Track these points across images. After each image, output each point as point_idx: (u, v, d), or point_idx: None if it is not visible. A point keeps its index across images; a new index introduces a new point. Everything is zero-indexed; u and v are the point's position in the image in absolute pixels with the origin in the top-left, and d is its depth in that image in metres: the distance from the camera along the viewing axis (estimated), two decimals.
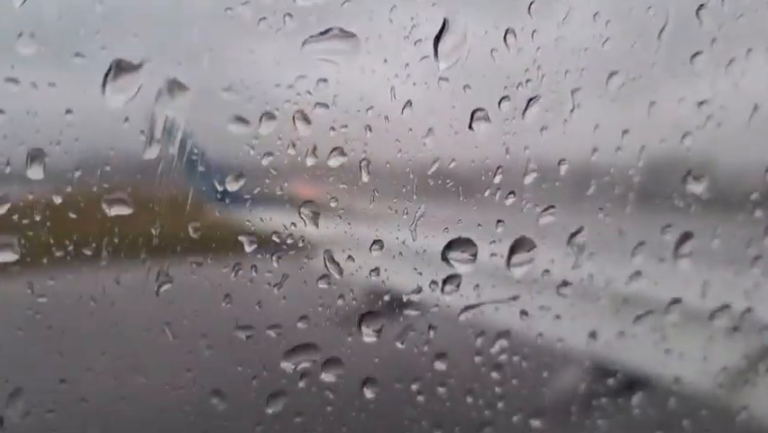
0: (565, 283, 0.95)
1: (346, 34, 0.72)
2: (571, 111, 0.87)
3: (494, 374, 0.95)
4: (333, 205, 0.78)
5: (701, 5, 0.90)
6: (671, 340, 1.04)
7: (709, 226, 1.02)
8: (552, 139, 0.87)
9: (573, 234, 0.93)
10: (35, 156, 0.63)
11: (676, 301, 1.03)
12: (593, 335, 0.99)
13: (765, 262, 1.05)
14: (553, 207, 0.90)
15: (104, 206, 0.67)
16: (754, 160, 1.04)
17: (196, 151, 0.68)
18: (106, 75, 0.63)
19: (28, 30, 0.60)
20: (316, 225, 0.77)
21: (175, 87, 0.66)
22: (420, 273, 0.85)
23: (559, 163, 0.89)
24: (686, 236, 1.01)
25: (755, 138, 1.00)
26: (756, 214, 1.05)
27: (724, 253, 1.04)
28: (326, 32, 0.71)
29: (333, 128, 0.75)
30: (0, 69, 0.61)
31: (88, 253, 0.69)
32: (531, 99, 0.84)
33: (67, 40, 0.61)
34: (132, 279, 0.72)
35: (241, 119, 0.71)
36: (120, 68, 0.64)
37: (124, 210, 0.68)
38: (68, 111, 0.64)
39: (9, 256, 0.65)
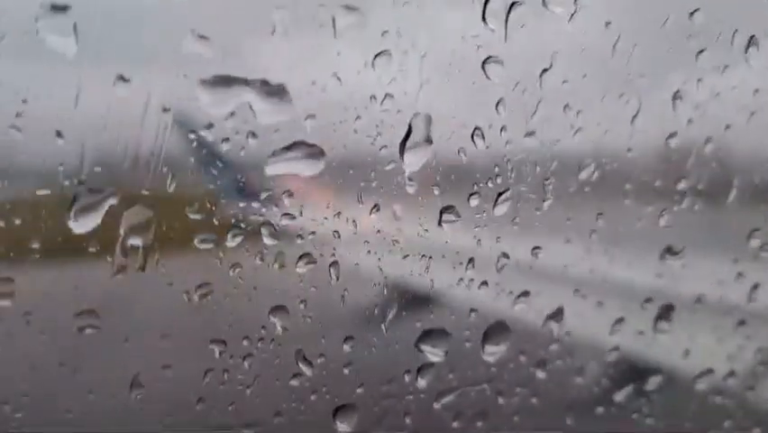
0: (541, 363, 0.96)
1: (311, 148, 0.73)
2: (544, 201, 0.88)
3: None
4: (302, 307, 0.79)
5: (677, 91, 0.90)
6: None
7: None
8: (524, 230, 0.88)
9: (550, 317, 0.94)
10: None
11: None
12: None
13: None
14: (527, 293, 0.91)
15: None
16: None
17: None
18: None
19: None
20: (287, 328, 0.78)
21: (141, 213, 0.68)
22: (394, 366, 0.86)
23: (533, 251, 0.89)
24: (667, 309, 1.02)
25: None
26: None
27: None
28: (291, 146, 0.72)
29: (300, 236, 0.76)
30: None
31: None
32: (501, 193, 0.85)
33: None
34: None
35: (206, 235, 0.72)
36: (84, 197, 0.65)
37: None
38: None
39: None
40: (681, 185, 0.97)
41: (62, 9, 0.61)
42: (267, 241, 0.75)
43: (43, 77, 0.63)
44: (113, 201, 0.67)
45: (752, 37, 0.91)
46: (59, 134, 0.64)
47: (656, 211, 0.97)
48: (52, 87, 0.63)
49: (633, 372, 1.05)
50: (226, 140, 0.70)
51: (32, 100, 0.63)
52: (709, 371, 1.07)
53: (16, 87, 0.62)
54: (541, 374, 0.96)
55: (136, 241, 0.69)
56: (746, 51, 0.91)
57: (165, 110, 0.67)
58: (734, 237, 1.06)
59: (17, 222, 0.65)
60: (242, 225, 0.74)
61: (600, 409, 1.03)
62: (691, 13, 0.86)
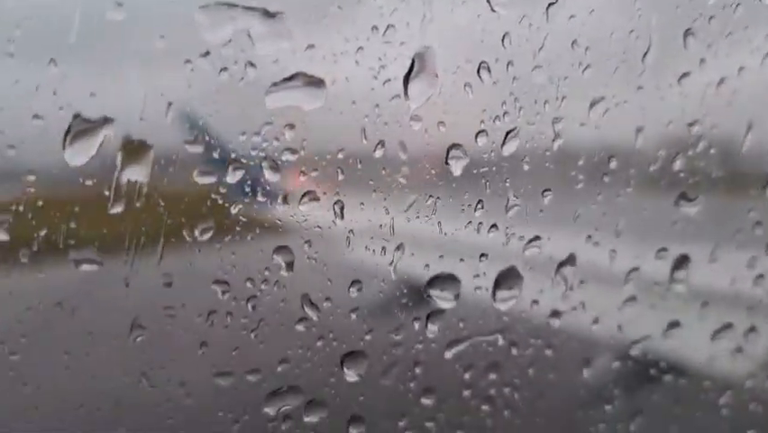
0: (555, 314, 0.93)
1: (311, 79, 0.71)
2: (553, 141, 0.85)
3: (484, 407, 0.93)
4: (306, 249, 0.77)
5: (688, 29, 0.88)
6: None
7: (705, 249, 1.00)
8: (533, 171, 0.85)
9: (562, 264, 0.91)
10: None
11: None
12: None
13: None
14: (538, 237, 0.88)
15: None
16: None
17: None
18: (66, 134, 0.63)
19: None
20: (291, 269, 0.76)
21: (136, 144, 0.66)
22: (402, 311, 0.84)
23: (543, 194, 0.87)
24: (682, 260, 0.99)
25: None
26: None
27: (722, 277, 1.01)
28: (291, 78, 0.70)
29: (303, 173, 0.74)
30: None
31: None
32: (509, 132, 0.82)
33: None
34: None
35: (207, 172, 0.70)
36: (79, 126, 0.63)
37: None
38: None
39: None
40: (695, 128, 0.94)
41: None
42: (269, 176, 0.72)
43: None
44: (107, 132, 0.65)
45: None
46: (53, 62, 0.62)
47: (670, 155, 0.94)
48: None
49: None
50: (224, 69, 0.67)
51: (28, 27, 0.61)
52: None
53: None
54: (555, 324, 0.93)
55: (134, 176, 0.67)
56: None
57: (161, 37, 0.65)
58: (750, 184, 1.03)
59: (11, 153, 0.63)
60: (243, 160, 0.71)
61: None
62: None
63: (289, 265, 0.76)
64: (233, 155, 0.71)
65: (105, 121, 0.64)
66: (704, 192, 0.97)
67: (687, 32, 0.88)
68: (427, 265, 0.84)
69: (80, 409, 0.72)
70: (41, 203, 0.66)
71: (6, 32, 0.61)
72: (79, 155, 0.65)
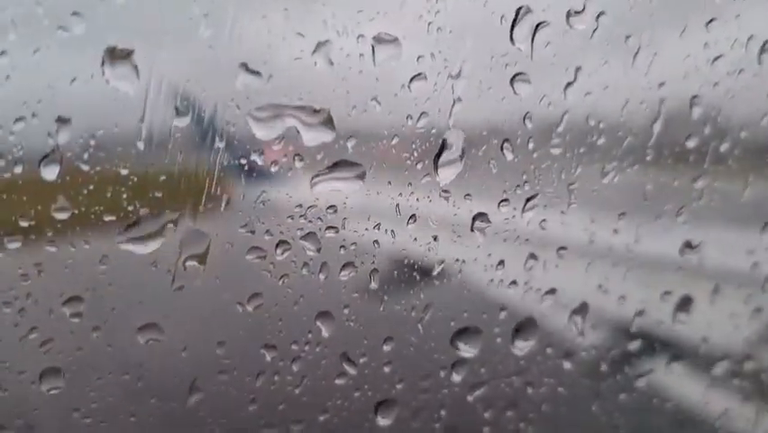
0: (568, 354, 1.01)
1: (352, 165, 0.78)
2: (569, 205, 0.92)
3: None
4: (345, 312, 0.84)
5: (695, 96, 0.94)
6: None
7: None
8: (551, 231, 0.93)
9: (575, 312, 0.99)
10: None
11: None
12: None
13: None
14: (554, 290, 0.96)
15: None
16: None
17: None
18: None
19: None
20: (330, 332, 0.84)
21: (195, 232, 0.73)
22: (430, 362, 0.92)
23: (557, 251, 0.94)
24: (686, 301, 1.07)
25: None
26: None
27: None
28: (334, 166, 0.77)
29: (342, 246, 0.81)
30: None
31: None
32: (529, 199, 0.89)
33: None
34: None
35: (257, 249, 0.77)
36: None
37: None
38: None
39: None
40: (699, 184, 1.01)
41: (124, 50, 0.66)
42: (311, 253, 0.80)
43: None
44: (171, 223, 0.72)
45: None
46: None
47: (674, 208, 1.01)
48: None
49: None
50: (275, 162, 0.74)
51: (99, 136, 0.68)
52: None
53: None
54: (567, 365, 1.02)
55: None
56: None
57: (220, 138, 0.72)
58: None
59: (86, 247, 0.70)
60: (290, 241, 0.79)
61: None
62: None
63: (330, 328, 0.84)
64: (281, 236, 0.78)
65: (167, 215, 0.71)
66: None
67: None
68: (453, 321, 0.91)
69: None
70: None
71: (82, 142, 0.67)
72: (147, 246, 0.72)
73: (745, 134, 1.01)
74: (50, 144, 0.66)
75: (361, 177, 0.79)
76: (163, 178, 0.71)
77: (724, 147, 1.01)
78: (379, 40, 0.74)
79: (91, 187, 0.68)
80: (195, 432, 0.82)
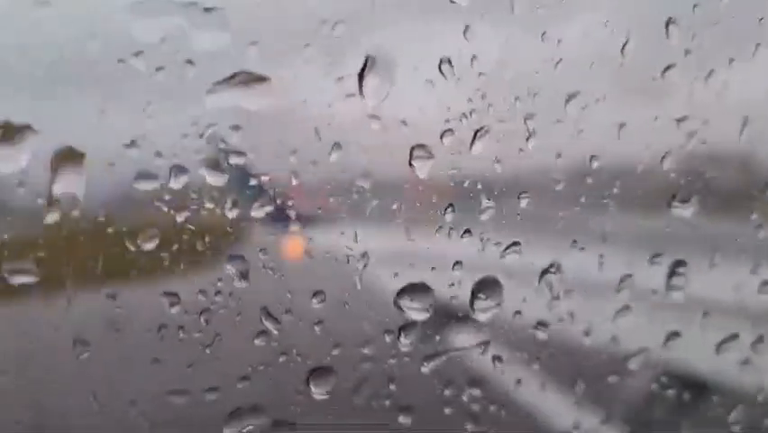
0: (541, 324, 0.87)
1: (255, 78, 0.67)
2: (527, 139, 0.80)
3: (469, 426, 0.87)
4: (262, 256, 0.73)
5: (670, 18, 0.83)
6: None
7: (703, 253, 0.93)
8: (507, 171, 0.80)
9: (545, 272, 0.86)
10: None
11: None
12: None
13: None
14: (517, 243, 0.83)
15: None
16: None
17: None
18: None
19: None
20: (246, 278, 0.72)
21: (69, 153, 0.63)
22: (370, 325, 0.79)
23: (519, 196, 0.82)
24: (677, 264, 0.93)
25: None
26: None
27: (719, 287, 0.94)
28: (233, 76, 0.67)
29: (253, 176, 0.70)
30: None
31: None
32: (478, 131, 0.78)
33: None
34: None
35: (148, 175, 0.66)
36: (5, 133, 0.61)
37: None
38: None
39: None
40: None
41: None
42: (215, 183, 0.69)
43: None
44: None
45: None
46: None
47: (657, 155, 0.88)
48: None
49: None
50: (161, 68, 0.64)
51: None
52: None
53: None
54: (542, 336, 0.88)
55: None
56: None
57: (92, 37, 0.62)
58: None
59: None
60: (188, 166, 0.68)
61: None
62: None
63: (244, 275, 0.72)
64: (175, 159, 0.67)
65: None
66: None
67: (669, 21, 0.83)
68: (396, 274, 0.79)
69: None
70: None
71: None
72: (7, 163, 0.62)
73: None
74: None
75: (267, 91, 0.68)
76: None
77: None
78: None
79: None
80: (83, 395, 0.70)
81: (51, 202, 0.63)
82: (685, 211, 0.91)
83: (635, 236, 0.92)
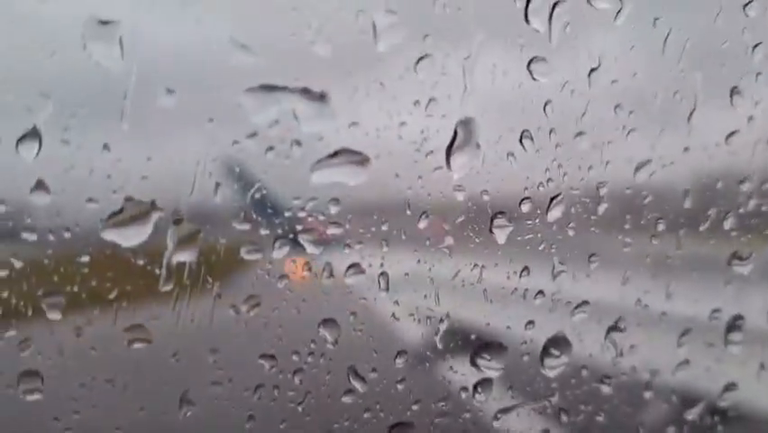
0: (606, 378, 0.91)
1: (355, 154, 0.72)
2: (598, 206, 0.84)
3: None
4: (352, 320, 0.77)
5: (734, 87, 0.87)
6: None
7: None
8: (579, 236, 0.84)
9: (611, 329, 0.89)
10: None
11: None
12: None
13: None
14: (586, 303, 0.87)
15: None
16: None
17: None
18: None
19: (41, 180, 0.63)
20: (336, 342, 0.76)
21: (184, 225, 0.67)
22: (449, 381, 0.83)
23: (589, 259, 0.86)
24: (737, 318, 0.96)
25: None
26: None
27: None
28: (335, 154, 0.71)
29: (348, 245, 0.75)
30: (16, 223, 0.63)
31: None
32: (553, 198, 0.82)
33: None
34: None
35: (254, 244, 0.71)
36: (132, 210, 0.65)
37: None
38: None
39: None
40: (745, 186, 0.92)
41: (108, 23, 0.62)
42: (312, 250, 0.73)
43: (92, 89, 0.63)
44: (159, 214, 0.67)
45: None
46: (106, 147, 0.64)
47: (720, 213, 0.92)
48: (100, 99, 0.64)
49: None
50: (271, 148, 0.69)
51: (81, 114, 0.63)
52: None
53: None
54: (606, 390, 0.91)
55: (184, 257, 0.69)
56: None
57: (210, 120, 0.67)
58: None
59: (66, 235, 0.65)
60: (289, 236, 0.72)
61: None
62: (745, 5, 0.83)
63: (335, 338, 0.76)
64: (278, 231, 0.72)
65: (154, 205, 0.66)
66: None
67: (733, 91, 0.87)
68: (474, 335, 0.83)
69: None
70: (94, 283, 0.67)
71: (62, 120, 0.63)
72: (132, 237, 0.66)
73: None
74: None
75: (365, 167, 0.72)
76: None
77: None
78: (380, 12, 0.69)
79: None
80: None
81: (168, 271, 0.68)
82: (744, 269, 0.94)
83: (696, 293, 0.95)
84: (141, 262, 0.68)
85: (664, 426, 0.97)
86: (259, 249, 0.71)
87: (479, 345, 0.83)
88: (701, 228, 0.92)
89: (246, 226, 0.70)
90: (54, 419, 0.69)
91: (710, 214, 0.92)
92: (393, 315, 0.78)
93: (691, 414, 0.97)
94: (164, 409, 0.73)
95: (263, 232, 0.72)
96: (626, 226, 0.87)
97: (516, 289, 0.83)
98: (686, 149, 0.88)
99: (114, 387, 0.71)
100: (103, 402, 0.71)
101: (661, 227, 0.89)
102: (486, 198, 0.79)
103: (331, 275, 0.75)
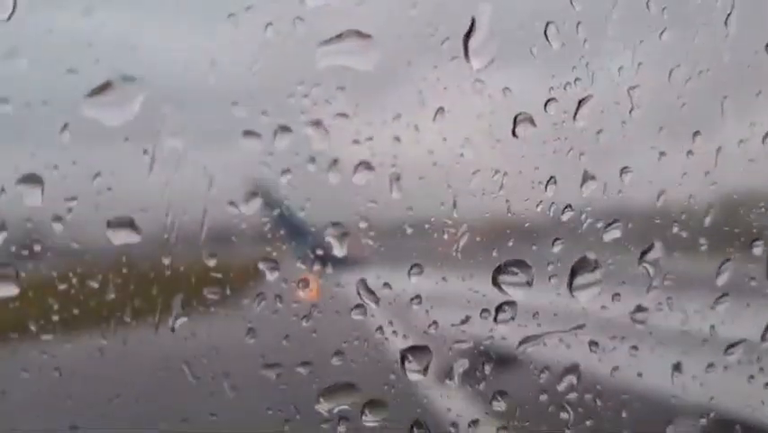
0: (640, 309, 0.83)
1: (362, 36, 0.65)
2: (630, 111, 0.77)
3: (563, 415, 0.83)
4: (362, 226, 0.70)
5: None
6: None
7: None
8: (610, 143, 0.77)
9: (644, 252, 0.82)
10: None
11: None
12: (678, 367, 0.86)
13: None
14: (617, 221, 0.79)
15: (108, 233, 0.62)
16: None
17: None
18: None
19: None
20: (344, 248, 0.69)
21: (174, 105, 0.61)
22: (468, 301, 0.76)
23: (621, 172, 0.78)
24: None
25: None
26: None
27: None
28: (340, 35, 0.65)
29: (356, 141, 0.68)
30: None
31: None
32: (582, 100, 0.75)
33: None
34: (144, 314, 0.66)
35: (252, 133, 0.64)
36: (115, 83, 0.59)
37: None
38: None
39: (9, 290, 0.60)
40: None
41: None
42: (320, 145, 0.67)
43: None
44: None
45: None
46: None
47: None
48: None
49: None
50: (270, 24, 0.63)
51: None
52: None
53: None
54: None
55: None
56: None
57: None
58: None
59: None
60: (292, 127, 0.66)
61: None
62: None
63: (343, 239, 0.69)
64: (280, 119, 0.65)
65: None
66: None
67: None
68: (495, 250, 0.76)
69: (117, 398, 0.66)
70: None
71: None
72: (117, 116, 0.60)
73: None
74: None
75: (374, 51, 0.66)
76: None
77: None
78: None
79: None
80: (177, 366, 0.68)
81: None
82: None
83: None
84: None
85: (703, 360, 0.89)
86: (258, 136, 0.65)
87: (501, 263, 0.76)
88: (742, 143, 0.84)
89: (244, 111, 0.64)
90: None
91: None
92: (405, 221, 0.71)
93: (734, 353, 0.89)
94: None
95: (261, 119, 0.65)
96: (661, 134, 0.79)
97: (541, 200, 0.76)
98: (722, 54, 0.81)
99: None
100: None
101: (698, 141, 0.81)
102: (508, 94, 0.72)
103: (338, 171, 0.68)
